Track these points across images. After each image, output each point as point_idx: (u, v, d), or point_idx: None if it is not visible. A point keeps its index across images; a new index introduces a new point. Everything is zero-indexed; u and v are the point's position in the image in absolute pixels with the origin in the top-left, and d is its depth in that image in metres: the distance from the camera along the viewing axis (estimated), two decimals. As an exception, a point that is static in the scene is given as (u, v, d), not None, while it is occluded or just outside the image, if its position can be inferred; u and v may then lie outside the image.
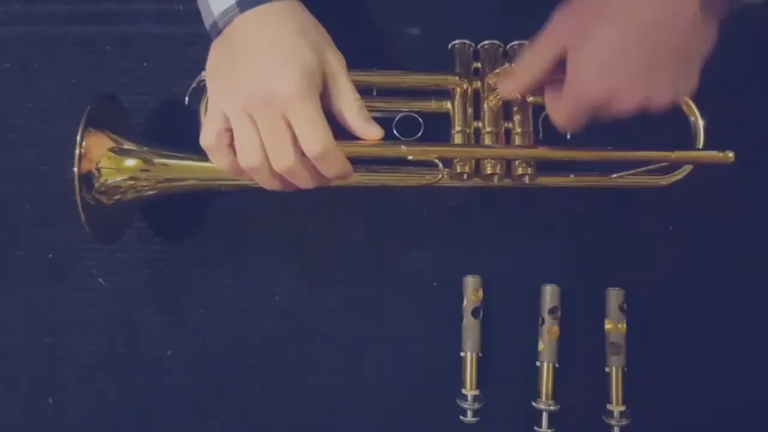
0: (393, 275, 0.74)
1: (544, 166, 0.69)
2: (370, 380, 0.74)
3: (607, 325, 0.72)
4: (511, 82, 0.62)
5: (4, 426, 0.76)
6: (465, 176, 0.68)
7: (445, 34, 0.72)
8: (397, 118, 0.72)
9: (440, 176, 0.67)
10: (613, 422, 0.71)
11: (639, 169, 0.69)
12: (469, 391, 0.72)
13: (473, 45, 0.71)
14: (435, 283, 0.74)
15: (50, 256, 0.77)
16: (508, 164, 0.68)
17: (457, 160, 0.67)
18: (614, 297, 0.72)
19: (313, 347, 0.74)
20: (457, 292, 0.73)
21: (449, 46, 0.71)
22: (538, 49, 0.59)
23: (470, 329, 0.72)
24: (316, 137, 0.56)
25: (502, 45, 0.71)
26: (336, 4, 0.74)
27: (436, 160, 0.65)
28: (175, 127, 0.75)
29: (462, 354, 0.72)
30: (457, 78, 0.70)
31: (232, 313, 0.75)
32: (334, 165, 0.58)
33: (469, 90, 0.70)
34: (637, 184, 0.70)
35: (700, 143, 0.68)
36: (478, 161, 0.68)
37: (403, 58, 0.74)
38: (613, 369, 0.71)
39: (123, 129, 0.70)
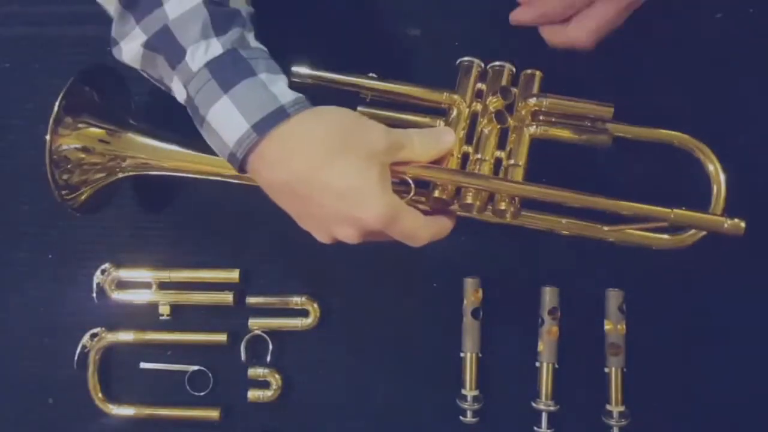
0: (393, 275, 0.74)
1: (534, 205, 0.64)
2: (370, 380, 0.74)
3: (607, 326, 0.72)
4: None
5: (4, 426, 0.76)
6: (442, 203, 0.62)
7: (445, 35, 0.72)
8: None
9: (411, 194, 0.61)
10: (612, 422, 0.71)
11: (635, 225, 0.64)
12: (469, 391, 0.72)
13: (482, 65, 0.66)
14: (435, 284, 0.74)
15: (50, 256, 0.77)
16: (491, 196, 0.63)
17: (437, 183, 0.62)
18: (614, 298, 0.72)
19: (313, 347, 0.74)
20: (457, 292, 0.73)
21: (456, 62, 0.67)
22: None
23: (470, 329, 0.72)
24: (414, 241, 0.60)
25: (514, 69, 0.65)
26: (336, 5, 0.74)
27: (409, 179, 0.61)
28: (176, 129, 0.75)
29: (462, 354, 0.72)
30: (457, 97, 0.65)
31: (232, 313, 0.75)
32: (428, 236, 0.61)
33: (467, 112, 0.65)
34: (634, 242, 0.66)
35: (720, 204, 0.63)
36: (459, 188, 0.62)
37: (403, 59, 0.74)
38: (613, 369, 0.71)
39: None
